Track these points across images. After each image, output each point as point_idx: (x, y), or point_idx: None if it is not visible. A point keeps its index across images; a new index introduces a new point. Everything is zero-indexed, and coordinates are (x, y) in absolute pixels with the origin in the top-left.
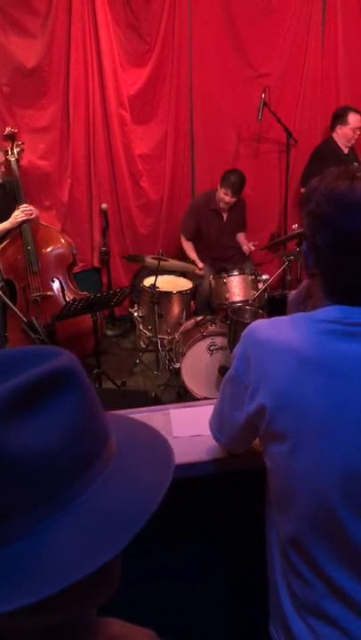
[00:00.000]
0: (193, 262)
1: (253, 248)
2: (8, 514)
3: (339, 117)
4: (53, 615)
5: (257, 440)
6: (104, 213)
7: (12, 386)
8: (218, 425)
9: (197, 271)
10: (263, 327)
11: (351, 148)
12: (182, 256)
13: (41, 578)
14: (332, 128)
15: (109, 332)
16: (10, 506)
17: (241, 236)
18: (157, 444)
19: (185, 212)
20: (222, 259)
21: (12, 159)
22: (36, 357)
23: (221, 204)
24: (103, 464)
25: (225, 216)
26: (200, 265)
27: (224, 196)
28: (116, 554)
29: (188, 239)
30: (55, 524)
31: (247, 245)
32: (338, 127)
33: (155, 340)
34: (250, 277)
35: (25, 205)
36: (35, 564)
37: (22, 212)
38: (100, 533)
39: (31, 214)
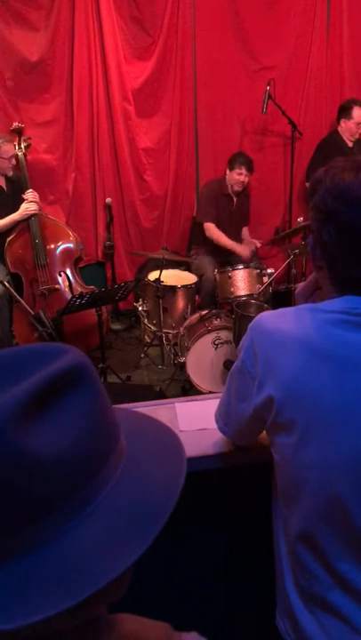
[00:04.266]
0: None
1: (260, 245)
2: (33, 518)
3: (344, 111)
4: (70, 617)
5: (263, 433)
6: (108, 207)
7: (28, 387)
8: (224, 417)
9: (244, 254)
10: (270, 318)
11: (357, 142)
12: (187, 249)
13: (74, 581)
14: (338, 121)
15: (114, 327)
16: (34, 510)
17: (245, 232)
18: (165, 436)
19: (200, 201)
20: (228, 251)
21: (20, 154)
22: (44, 356)
23: (236, 187)
24: (117, 460)
25: (235, 201)
26: (244, 249)
27: (239, 177)
28: (145, 549)
29: (214, 223)
30: (79, 525)
31: (252, 243)
32: (342, 121)
33: (159, 334)
34: (255, 271)
35: (30, 191)
36: (66, 567)
37: (27, 201)
38: (125, 530)
39: (36, 199)
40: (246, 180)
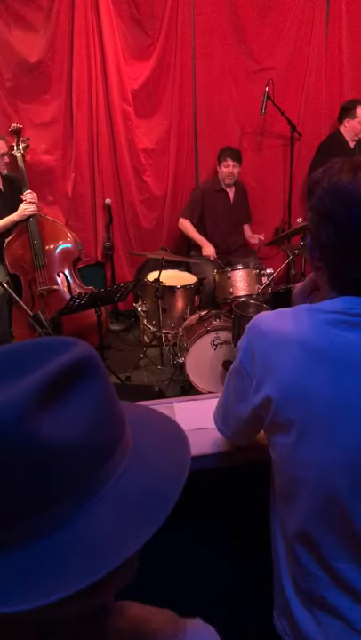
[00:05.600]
0: (196, 247)
1: (263, 239)
2: (48, 503)
3: (347, 110)
4: (81, 603)
5: (261, 433)
6: (108, 208)
7: (41, 377)
8: (222, 418)
9: (206, 253)
10: (267, 319)
11: (359, 142)
12: (186, 249)
13: (86, 564)
14: (340, 121)
15: (113, 327)
16: (49, 495)
17: (247, 229)
18: (169, 426)
19: (189, 198)
20: (228, 251)
21: (18, 154)
22: (54, 348)
23: (227, 180)
24: (124, 448)
25: (231, 196)
26: (211, 250)
27: (226, 169)
28: (154, 533)
29: (192, 222)
30: (91, 509)
31: (255, 238)
32: (346, 120)
33: (159, 334)
34: (254, 272)
35: (28, 192)
36: (78, 550)
37: (26, 202)
38: (135, 514)
39: (35, 200)
40: (235, 170)
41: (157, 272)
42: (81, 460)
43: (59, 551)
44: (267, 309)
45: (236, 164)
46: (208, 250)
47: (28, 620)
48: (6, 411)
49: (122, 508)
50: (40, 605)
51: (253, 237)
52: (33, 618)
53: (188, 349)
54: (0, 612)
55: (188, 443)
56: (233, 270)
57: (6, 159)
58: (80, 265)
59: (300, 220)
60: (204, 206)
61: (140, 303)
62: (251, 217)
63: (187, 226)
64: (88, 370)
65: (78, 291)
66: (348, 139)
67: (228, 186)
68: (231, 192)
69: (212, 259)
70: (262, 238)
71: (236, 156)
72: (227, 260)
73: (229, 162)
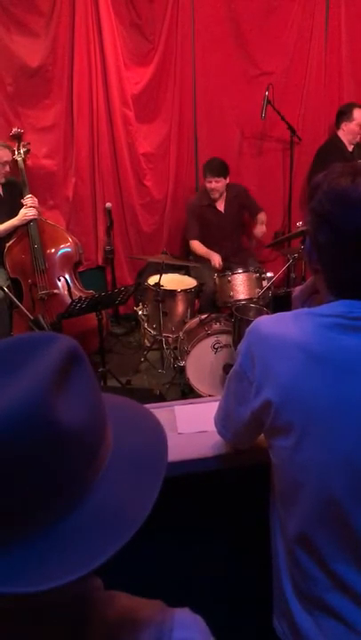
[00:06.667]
0: (207, 261)
1: (261, 234)
2: (69, 484)
3: (344, 114)
4: (75, 585)
5: (261, 436)
6: (108, 212)
7: (51, 366)
8: (223, 421)
9: (214, 263)
10: (267, 323)
11: (357, 146)
12: (186, 253)
13: (89, 551)
14: (338, 126)
15: (114, 331)
16: (69, 477)
17: (261, 218)
18: (148, 420)
19: (186, 218)
20: (225, 257)
21: (19, 159)
22: (38, 342)
23: (213, 195)
24: (109, 439)
25: (222, 208)
26: (217, 257)
27: (209, 184)
28: (157, 497)
29: (200, 240)
30: (97, 488)
31: (260, 228)
32: (343, 124)
33: (159, 338)
34: (254, 275)
35: (29, 196)
36: (96, 528)
37: (27, 206)
38: (134, 483)
39: (35, 204)
40: (219, 185)
41: (158, 276)
42: (87, 441)
43: (78, 531)
44: (267, 313)
45: (218, 178)
46: (214, 259)
47: (15, 605)
48: (28, 401)
49: (123, 479)
50: (74, 579)
51: (261, 227)
52: (22, 604)
53: (188, 353)
54: (34, 590)
55: (165, 436)
56: (233, 274)
57: (7, 168)
58: (81, 269)
59: (300, 223)
60: (199, 220)
61: (140, 307)
62: (260, 207)
63: (195, 246)
64: (78, 359)
65: (79, 295)
66: (346, 142)
67: (215, 200)
68: (221, 203)
69: (218, 267)
70: (261, 233)
71: (217, 171)
72: (226, 263)
73: (210, 178)
